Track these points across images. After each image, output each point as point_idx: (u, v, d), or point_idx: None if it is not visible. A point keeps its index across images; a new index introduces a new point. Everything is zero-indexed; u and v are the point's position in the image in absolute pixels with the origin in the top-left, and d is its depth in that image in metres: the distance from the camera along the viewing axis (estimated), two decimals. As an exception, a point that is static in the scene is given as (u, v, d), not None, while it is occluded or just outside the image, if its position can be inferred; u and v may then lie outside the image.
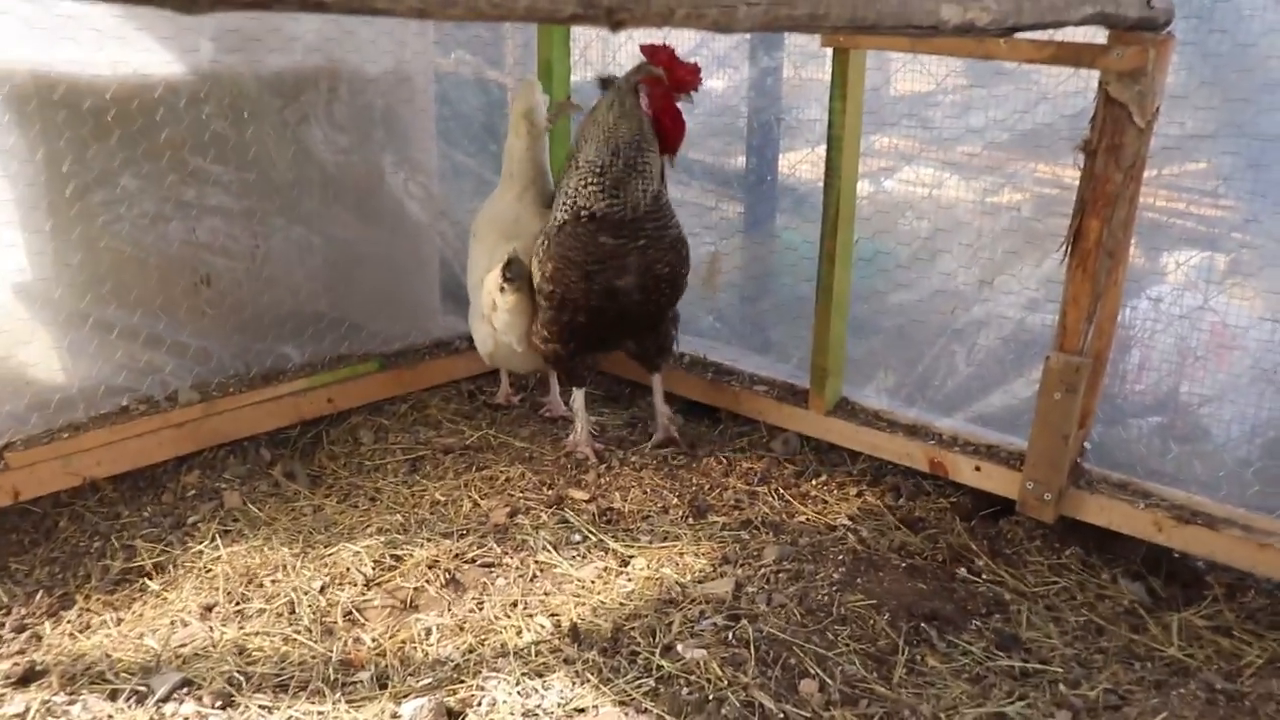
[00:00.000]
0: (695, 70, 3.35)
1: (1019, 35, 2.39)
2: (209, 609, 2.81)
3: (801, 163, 3.84)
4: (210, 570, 2.99)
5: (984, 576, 2.98)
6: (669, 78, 3.33)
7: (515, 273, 3.51)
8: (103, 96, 3.26)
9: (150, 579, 2.96)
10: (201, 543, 3.13)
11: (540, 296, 3.52)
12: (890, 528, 3.24)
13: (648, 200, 3.33)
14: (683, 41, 4.07)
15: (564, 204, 3.39)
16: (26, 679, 2.52)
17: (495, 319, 3.64)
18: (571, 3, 1.38)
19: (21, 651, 2.65)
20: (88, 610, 2.82)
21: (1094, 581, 2.97)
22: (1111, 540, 3.07)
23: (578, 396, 3.73)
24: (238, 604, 2.83)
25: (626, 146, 3.31)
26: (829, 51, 3.35)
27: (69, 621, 2.77)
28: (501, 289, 3.54)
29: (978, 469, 3.26)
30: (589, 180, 3.32)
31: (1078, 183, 2.86)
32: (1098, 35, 2.75)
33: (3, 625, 2.76)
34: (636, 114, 3.34)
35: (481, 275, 3.71)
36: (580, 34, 4.17)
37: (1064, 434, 2.96)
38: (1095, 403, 3.07)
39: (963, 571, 3.00)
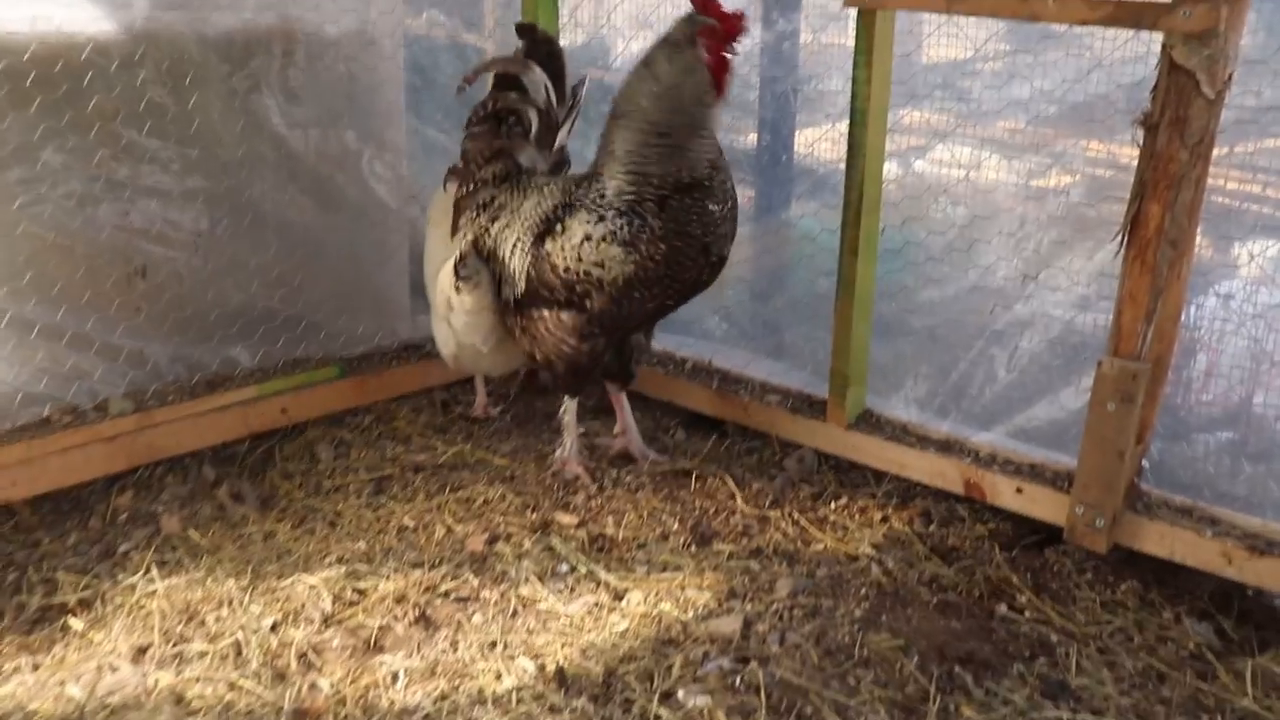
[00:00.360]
0: (743, 16, 3.34)
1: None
2: (142, 651, 2.78)
3: (820, 140, 3.84)
4: (144, 606, 2.96)
5: (1027, 614, 2.96)
6: (722, 27, 3.32)
7: (470, 269, 3.50)
8: (20, 57, 3.22)
9: (74, 617, 2.93)
10: (134, 575, 3.10)
11: (589, 285, 3.39)
12: (920, 558, 3.22)
13: (717, 159, 3.35)
14: (681, 2, 4.06)
15: (624, 172, 3.33)
16: (-72, 736, 2.50)
17: (453, 320, 3.64)
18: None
19: (-78, 701, 2.63)
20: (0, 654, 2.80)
21: (1154, 621, 2.95)
22: (1174, 574, 3.05)
23: (570, 407, 3.70)
24: (175, 645, 2.81)
25: (693, 103, 3.30)
26: (852, 12, 3.33)
27: (-21, 665, 2.75)
28: (456, 288, 3.53)
29: (1020, 491, 3.25)
30: (652, 142, 3.30)
31: (1136, 162, 2.84)
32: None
33: (-98, 670, 2.74)
34: (699, 68, 3.33)
35: (438, 267, 3.71)
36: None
37: (1119, 450, 2.94)
38: (1155, 415, 3.06)
39: (1003, 608, 2.98)
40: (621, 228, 3.28)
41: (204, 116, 3.63)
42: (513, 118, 3.62)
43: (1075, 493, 3.05)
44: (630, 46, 4.30)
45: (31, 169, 3.32)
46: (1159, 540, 3.00)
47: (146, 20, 3.46)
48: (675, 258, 3.29)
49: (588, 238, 3.32)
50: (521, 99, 3.59)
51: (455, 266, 3.49)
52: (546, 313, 3.47)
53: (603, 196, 3.32)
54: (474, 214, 3.60)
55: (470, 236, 3.59)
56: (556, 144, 3.67)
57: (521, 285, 3.48)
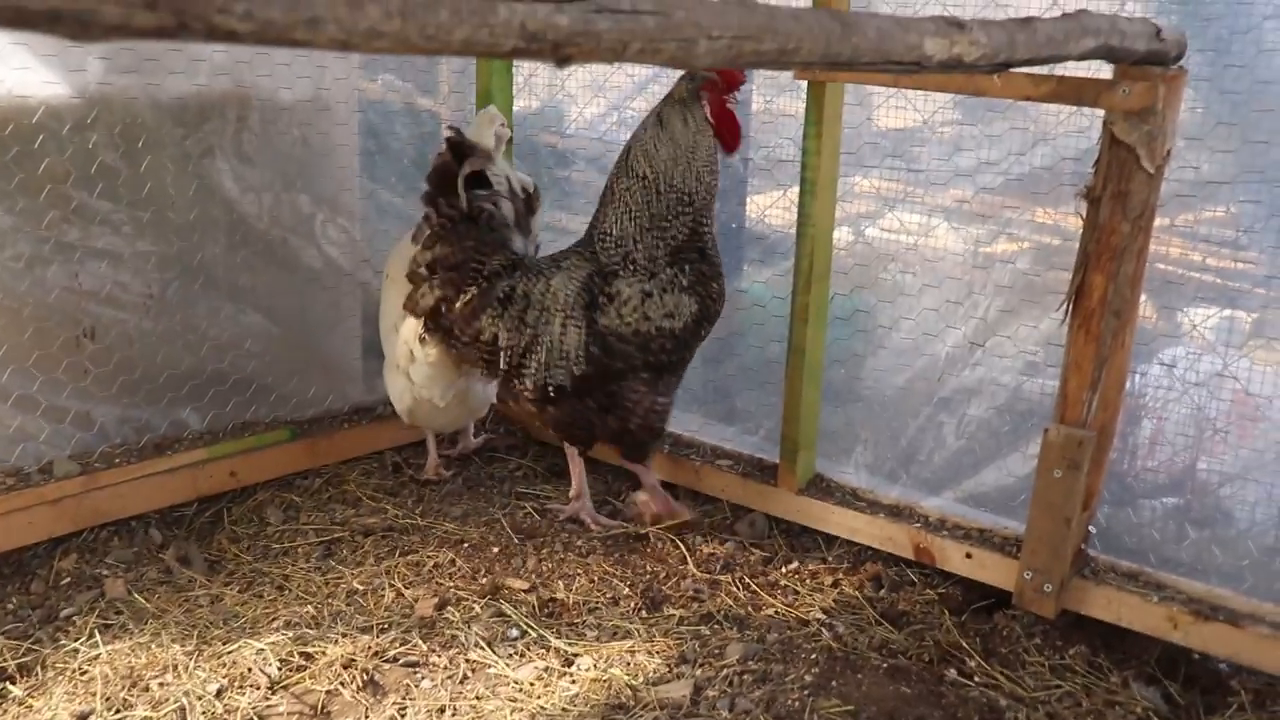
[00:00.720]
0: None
1: (1013, 70, 2.46)
2: (83, 718, 2.76)
3: (772, 207, 3.89)
4: (86, 671, 2.94)
5: (976, 679, 2.99)
6: (722, 78, 3.42)
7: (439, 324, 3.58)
8: (-28, 121, 3.25)
9: (13, 683, 2.90)
10: (77, 639, 3.07)
11: (663, 339, 3.48)
12: (870, 623, 3.25)
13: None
14: (638, 69, 4.14)
15: (651, 233, 3.47)
16: None
17: (414, 372, 3.71)
18: (513, 36, 1.40)
19: None
20: (-61, 719, 2.77)
21: (1102, 685, 2.99)
22: (1121, 638, 3.10)
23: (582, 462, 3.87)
24: (118, 711, 2.78)
25: (706, 169, 3.46)
26: (801, 84, 3.41)
27: (-84, 732, 2.72)
28: (422, 339, 3.61)
29: (969, 556, 3.29)
30: (681, 212, 3.46)
31: (1081, 233, 2.92)
32: (1102, 69, 2.83)
33: None
34: (708, 128, 3.43)
35: (394, 322, 3.78)
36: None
37: (1066, 517, 3.00)
38: (1101, 482, 3.12)
39: (952, 673, 3.01)
40: (676, 276, 3.46)
41: (156, 180, 3.65)
42: (485, 214, 3.63)
43: (1024, 558, 3.10)
44: (584, 112, 4.37)
45: (-19, 230, 3.34)
46: (1106, 605, 3.05)
47: (100, 84, 3.49)
48: (722, 288, 3.53)
49: (647, 294, 3.44)
50: (493, 194, 3.66)
51: (425, 319, 3.57)
52: (629, 382, 3.52)
53: (634, 261, 3.47)
54: (496, 311, 3.50)
55: (434, 297, 3.54)
56: (533, 229, 3.80)
57: (583, 365, 3.48)
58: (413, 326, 3.63)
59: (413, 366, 3.69)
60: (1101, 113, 2.85)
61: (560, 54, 1.48)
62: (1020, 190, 3.32)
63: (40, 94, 3.38)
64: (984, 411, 3.41)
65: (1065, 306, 2.97)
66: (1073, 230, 3.07)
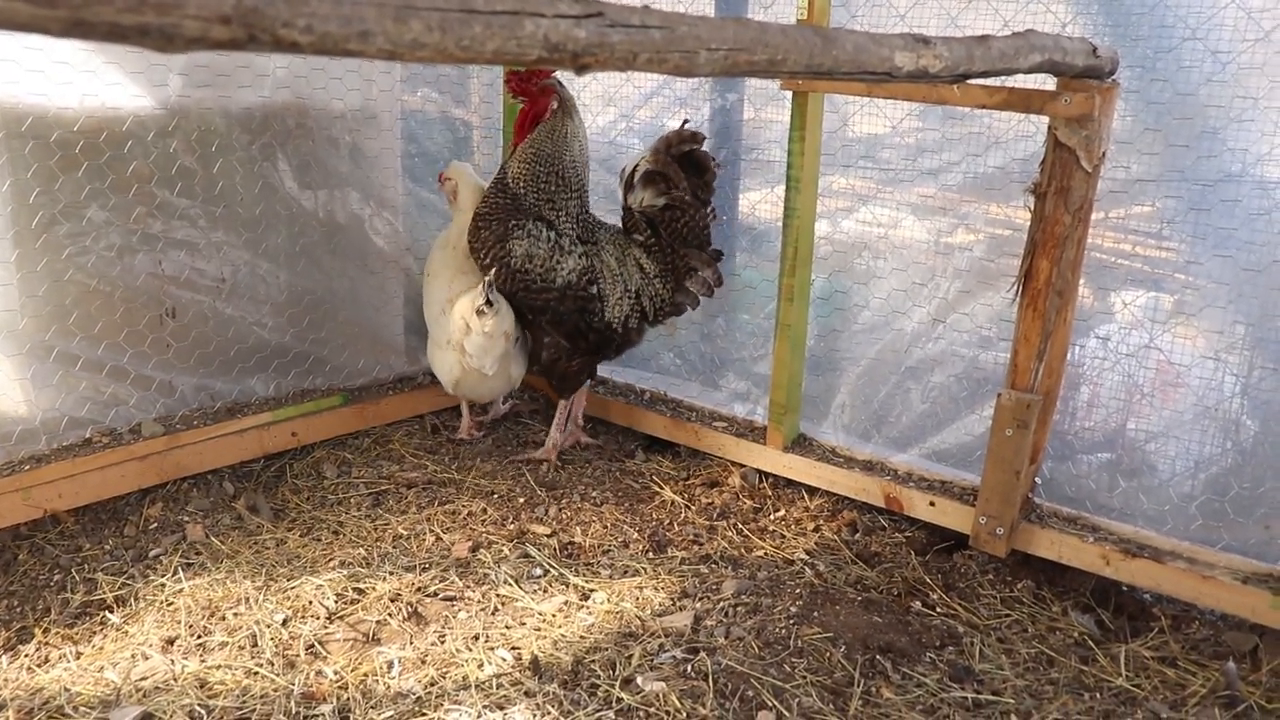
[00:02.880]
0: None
1: (971, 81, 2.45)
2: (170, 642, 2.78)
3: (761, 203, 3.89)
4: (172, 603, 2.96)
5: (938, 610, 3.01)
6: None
7: (497, 296, 3.65)
8: (71, 129, 3.25)
9: (111, 612, 2.93)
10: (163, 576, 3.10)
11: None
12: (847, 562, 3.26)
13: None
14: (644, 82, 4.13)
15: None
16: (-17, 713, 2.49)
17: (469, 344, 3.71)
18: (537, 47, 1.40)
19: (-22, 685, 2.61)
20: (46, 644, 2.78)
21: (1045, 614, 3.00)
22: (1062, 573, 3.11)
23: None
24: (199, 637, 2.81)
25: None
26: (788, 94, 3.41)
27: (27, 655, 2.73)
28: (480, 312, 3.61)
29: (932, 504, 3.30)
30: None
31: (1028, 224, 2.92)
32: (1047, 82, 2.82)
33: (-41, 658, 2.72)
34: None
35: (442, 306, 3.84)
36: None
37: (1016, 470, 3.01)
38: (1046, 439, 3.12)
39: (917, 605, 3.03)
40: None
41: (227, 179, 3.65)
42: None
43: (979, 505, 3.11)
44: (597, 121, 4.35)
45: (78, 224, 3.33)
46: (1049, 545, 3.06)
47: (179, 96, 3.49)
48: None
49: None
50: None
51: (486, 292, 3.62)
52: None
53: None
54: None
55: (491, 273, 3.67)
56: None
57: None
58: (468, 304, 3.67)
59: (468, 338, 3.70)
60: (1046, 119, 2.84)
61: (579, 63, 1.48)
62: (976, 187, 3.31)
63: (129, 106, 3.38)
64: (945, 379, 3.41)
65: (1015, 287, 2.97)
66: (1021, 223, 3.07)
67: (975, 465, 3.30)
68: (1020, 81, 2.82)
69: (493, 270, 3.67)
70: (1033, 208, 2.90)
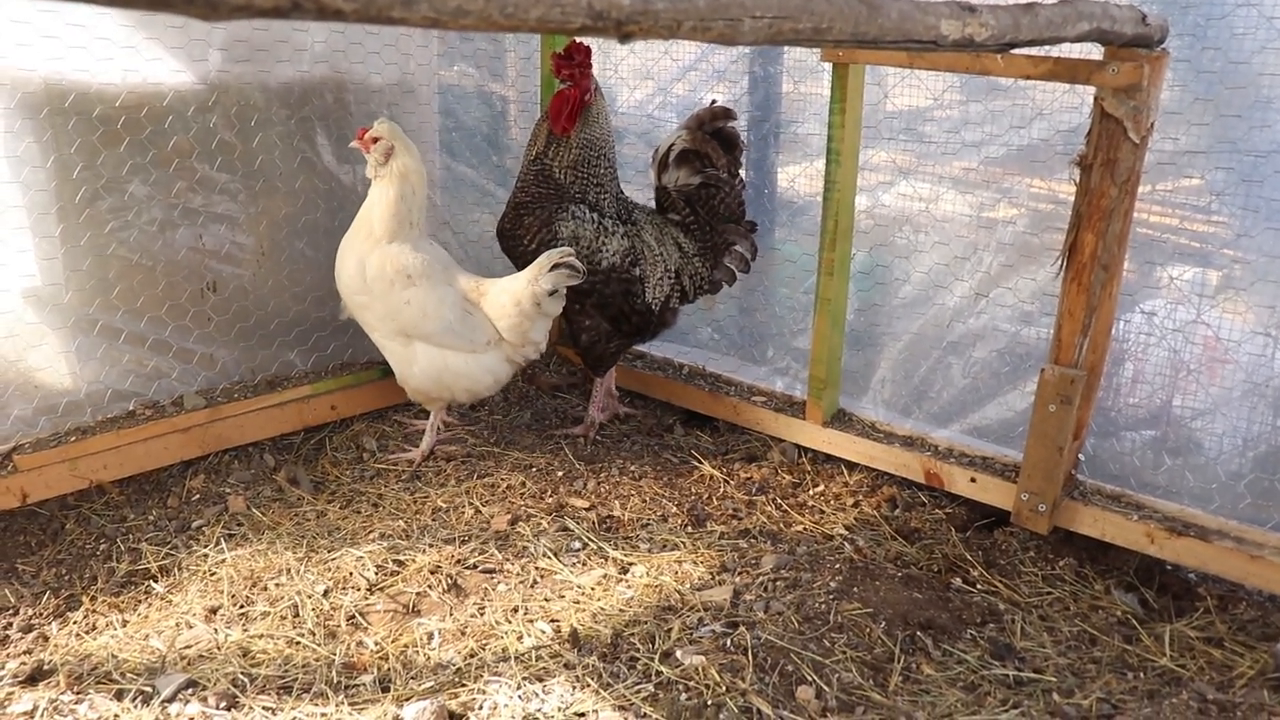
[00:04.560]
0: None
1: (1015, 51, 2.41)
2: (213, 611, 2.81)
3: (800, 176, 3.85)
4: (215, 573, 2.99)
5: (979, 586, 2.98)
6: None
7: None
8: (113, 104, 3.27)
9: (155, 581, 2.96)
10: (206, 546, 3.13)
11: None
12: (886, 538, 3.24)
13: None
14: (683, 54, 4.09)
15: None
16: (34, 678, 2.52)
17: (535, 329, 3.56)
18: (581, 14, 1.39)
19: (29, 651, 2.65)
20: (94, 611, 2.82)
21: (1087, 592, 2.97)
22: (1105, 551, 3.08)
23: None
24: (242, 607, 2.83)
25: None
26: (827, 66, 3.37)
27: (75, 622, 2.77)
28: (552, 293, 3.49)
29: (973, 480, 3.27)
30: None
31: (1073, 197, 2.87)
32: (1093, 52, 2.77)
33: (10, 625, 2.76)
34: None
35: (459, 310, 3.51)
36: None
37: (1059, 446, 2.97)
38: (1089, 415, 3.08)
39: (958, 581, 3.00)
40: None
41: (266, 154, 3.66)
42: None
43: (1021, 482, 3.07)
44: (634, 95, 4.33)
45: (120, 199, 3.36)
46: (1092, 523, 3.02)
47: (219, 72, 3.50)
48: None
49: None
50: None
51: (564, 270, 3.44)
52: None
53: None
54: None
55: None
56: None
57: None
58: (524, 288, 3.46)
59: (531, 326, 3.54)
60: (1093, 90, 2.79)
61: (623, 30, 1.46)
62: (1019, 160, 3.26)
63: (169, 81, 3.39)
64: (987, 354, 3.37)
65: (1060, 261, 2.92)
66: (1065, 197, 3.03)
67: (1017, 441, 3.27)
68: (1065, 51, 2.77)
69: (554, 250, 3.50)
70: (1078, 180, 2.85)
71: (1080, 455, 3.13)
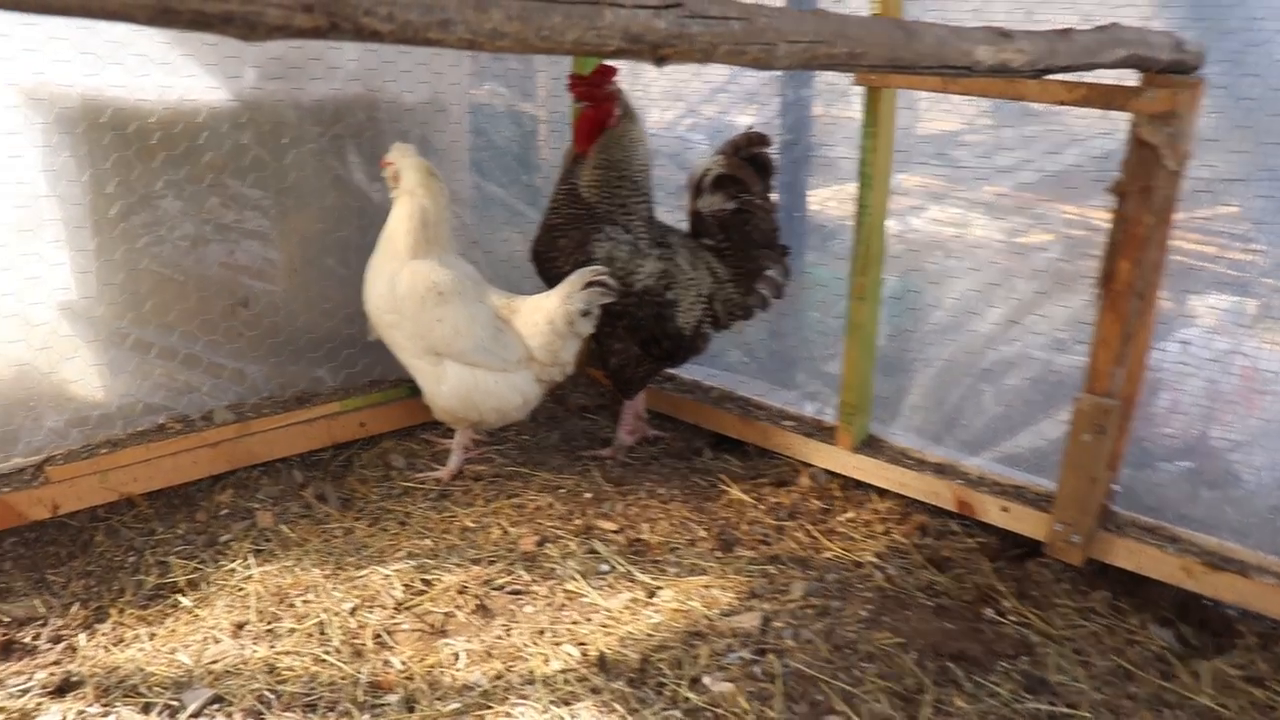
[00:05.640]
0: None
1: (1050, 77, 2.40)
2: (240, 627, 2.82)
3: (830, 199, 3.84)
4: (242, 589, 3.00)
5: (1011, 618, 2.95)
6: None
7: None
8: (148, 120, 3.31)
9: (183, 595, 2.98)
10: (234, 561, 3.14)
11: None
12: (917, 566, 3.22)
13: None
14: (712, 76, 4.10)
15: None
16: (63, 689, 2.54)
17: (565, 349, 3.56)
18: (617, 37, 1.39)
19: (57, 662, 2.67)
20: (122, 624, 2.84)
21: (1123, 626, 2.93)
22: (1140, 585, 3.04)
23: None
24: (269, 623, 2.84)
25: None
26: (859, 90, 3.37)
27: (103, 634, 2.79)
28: (584, 313, 3.50)
29: (1005, 509, 3.24)
30: None
31: (1109, 224, 2.85)
32: (1129, 77, 2.75)
33: (39, 635, 2.78)
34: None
35: (491, 329, 3.52)
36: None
37: (1093, 476, 2.94)
38: (1124, 446, 3.05)
39: (990, 612, 2.97)
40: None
41: (298, 171, 3.69)
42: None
43: (1055, 512, 3.05)
44: (664, 116, 4.34)
45: (154, 214, 3.40)
46: (1128, 555, 2.99)
47: (253, 89, 3.54)
48: None
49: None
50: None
51: (598, 289, 3.47)
52: None
53: None
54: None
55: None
56: None
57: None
58: (556, 306, 3.49)
59: (562, 344, 3.54)
60: (1128, 116, 2.77)
61: (658, 54, 1.47)
62: (1053, 186, 3.24)
63: (204, 98, 3.43)
64: (1020, 382, 3.35)
65: (1095, 289, 2.90)
66: (1098, 223, 3.01)
67: (1050, 471, 3.24)
68: (1100, 76, 2.76)
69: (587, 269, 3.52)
70: (1114, 207, 2.83)
71: (1115, 486, 3.10)
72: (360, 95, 3.82)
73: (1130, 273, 2.82)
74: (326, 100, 3.74)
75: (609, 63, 3.69)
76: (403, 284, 3.45)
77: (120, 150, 3.28)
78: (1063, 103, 2.87)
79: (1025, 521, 3.20)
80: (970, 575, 3.15)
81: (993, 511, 3.28)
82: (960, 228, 3.44)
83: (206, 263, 3.56)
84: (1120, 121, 2.87)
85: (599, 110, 3.64)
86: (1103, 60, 2.39)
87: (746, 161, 3.67)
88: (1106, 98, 2.78)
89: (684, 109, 4.29)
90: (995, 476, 3.38)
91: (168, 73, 3.33)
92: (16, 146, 3.10)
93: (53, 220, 3.21)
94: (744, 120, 3.97)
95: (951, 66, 2.04)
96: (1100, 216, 2.96)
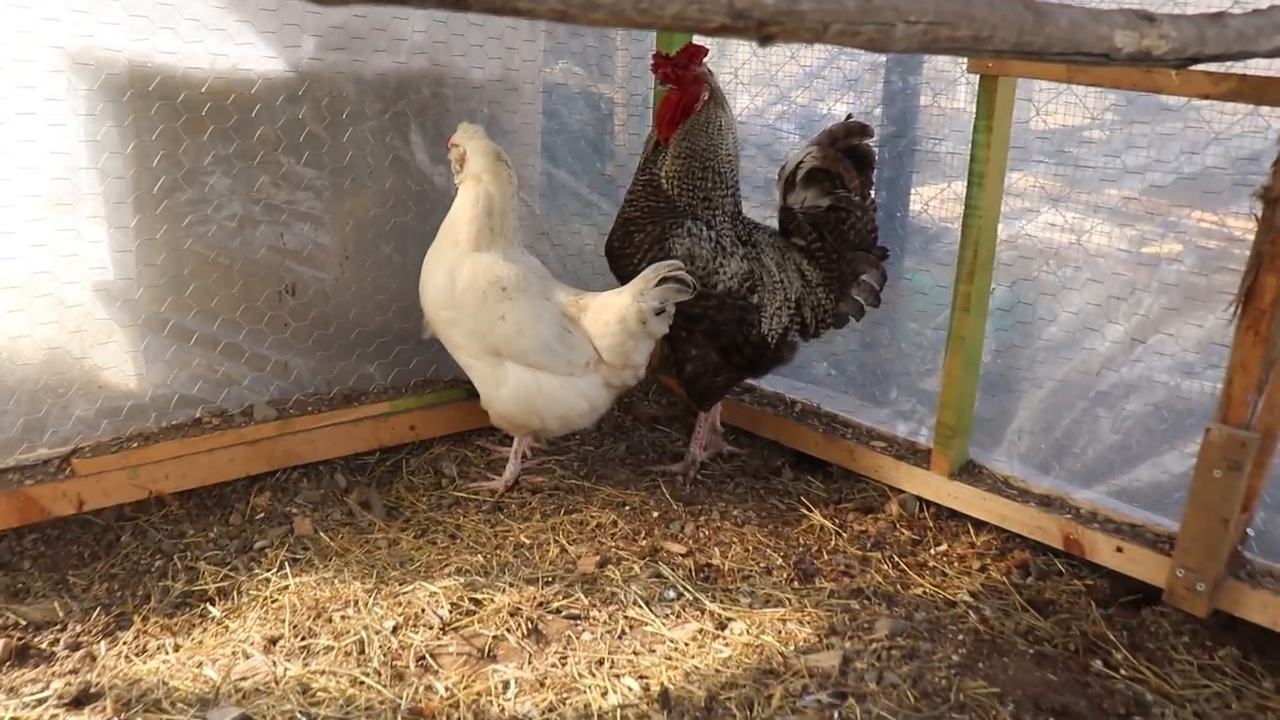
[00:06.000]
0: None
1: (1195, 67, 2.33)
2: (273, 642, 2.83)
3: (935, 199, 3.79)
4: (276, 600, 3.02)
5: (1122, 672, 2.87)
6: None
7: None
8: (199, 90, 3.35)
9: (212, 605, 3.00)
10: (269, 570, 3.16)
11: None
12: (1017, 608, 3.15)
13: None
14: (810, 59, 4.06)
15: None
16: (80, 700, 2.56)
17: (637, 350, 3.55)
18: (721, 12, 1.36)
19: (75, 671, 2.70)
20: (145, 633, 2.87)
21: (1253, 689, 2.83)
22: (1276, 643, 2.94)
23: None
24: (304, 639, 2.85)
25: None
26: (973, 78, 3.31)
27: (125, 643, 2.82)
28: (656, 311, 3.47)
29: (1119, 550, 3.16)
30: None
31: (1251, 235, 2.77)
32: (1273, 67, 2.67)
33: (57, 641, 2.82)
34: None
35: (556, 328, 3.52)
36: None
37: (1224, 517, 2.85)
38: (1262, 484, 2.96)
39: (1098, 664, 2.90)
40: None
41: (356, 150, 3.72)
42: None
43: (1176, 555, 2.96)
44: (754, 102, 4.31)
45: (200, 191, 3.43)
46: (1261, 609, 2.89)
47: (311, 59, 3.56)
48: None
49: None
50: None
51: (674, 285, 3.43)
52: None
53: None
54: None
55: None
56: None
57: None
58: (628, 304, 3.45)
59: (636, 344, 3.53)
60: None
61: (764, 31, 1.43)
62: (1188, 190, 3.16)
63: (259, 68, 3.46)
64: (1141, 408, 3.27)
65: (1234, 307, 2.81)
66: (1240, 233, 2.93)
67: (1172, 509, 3.15)
68: (1251, 68, 2.67)
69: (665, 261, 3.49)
70: (1260, 215, 2.74)
71: (1249, 530, 3.01)
72: (426, 70, 3.84)
73: (1277, 289, 2.73)
74: (389, 74, 3.75)
75: (699, 41, 3.67)
76: (463, 277, 3.45)
77: (167, 121, 3.32)
78: (1207, 96, 2.80)
79: (1142, 564, 3.12)
80: (1077, 621, 3.07)
81: (1105, 551, 3.20)
82: (1079, 234, 3.37)
83: (254, 246, 3.59)
84: (1272, 119, 2.79)
85: (684, 94, 3.62)
86: (1259, 48, 2.31)
87: (844, 154, 3.62)
88: (1259, 92, 2.69)
89: (775, 95, 4.26)
90: (1109, 512, 3.30)
91: (221, 39, 3.36)
92: (58, 114, 3.15)
93: (92, 195, 3.26)
94: (841, 109, 3.93)
95: (1086, 54, 1.98)
96: (1242, 226, 2.88)
